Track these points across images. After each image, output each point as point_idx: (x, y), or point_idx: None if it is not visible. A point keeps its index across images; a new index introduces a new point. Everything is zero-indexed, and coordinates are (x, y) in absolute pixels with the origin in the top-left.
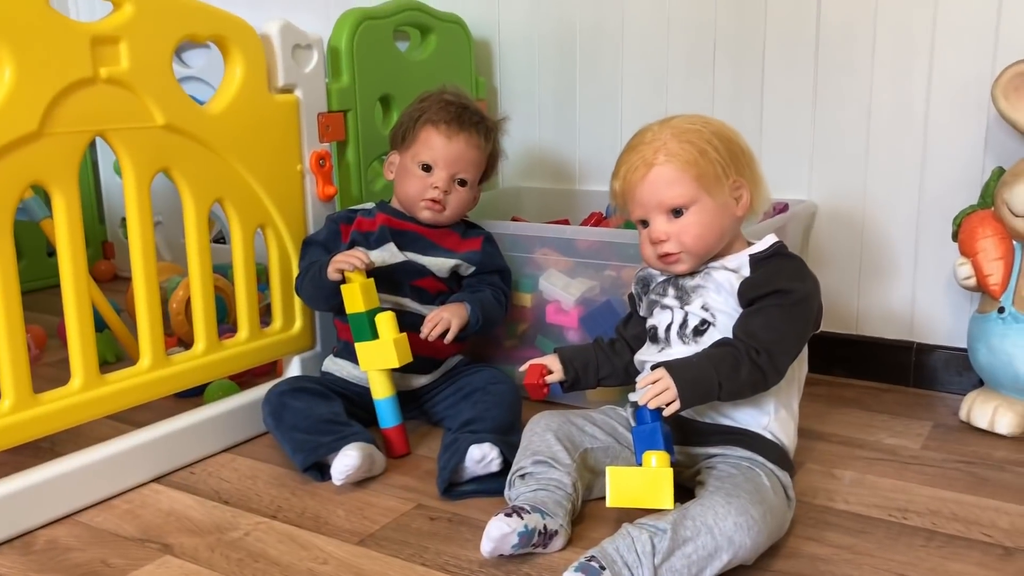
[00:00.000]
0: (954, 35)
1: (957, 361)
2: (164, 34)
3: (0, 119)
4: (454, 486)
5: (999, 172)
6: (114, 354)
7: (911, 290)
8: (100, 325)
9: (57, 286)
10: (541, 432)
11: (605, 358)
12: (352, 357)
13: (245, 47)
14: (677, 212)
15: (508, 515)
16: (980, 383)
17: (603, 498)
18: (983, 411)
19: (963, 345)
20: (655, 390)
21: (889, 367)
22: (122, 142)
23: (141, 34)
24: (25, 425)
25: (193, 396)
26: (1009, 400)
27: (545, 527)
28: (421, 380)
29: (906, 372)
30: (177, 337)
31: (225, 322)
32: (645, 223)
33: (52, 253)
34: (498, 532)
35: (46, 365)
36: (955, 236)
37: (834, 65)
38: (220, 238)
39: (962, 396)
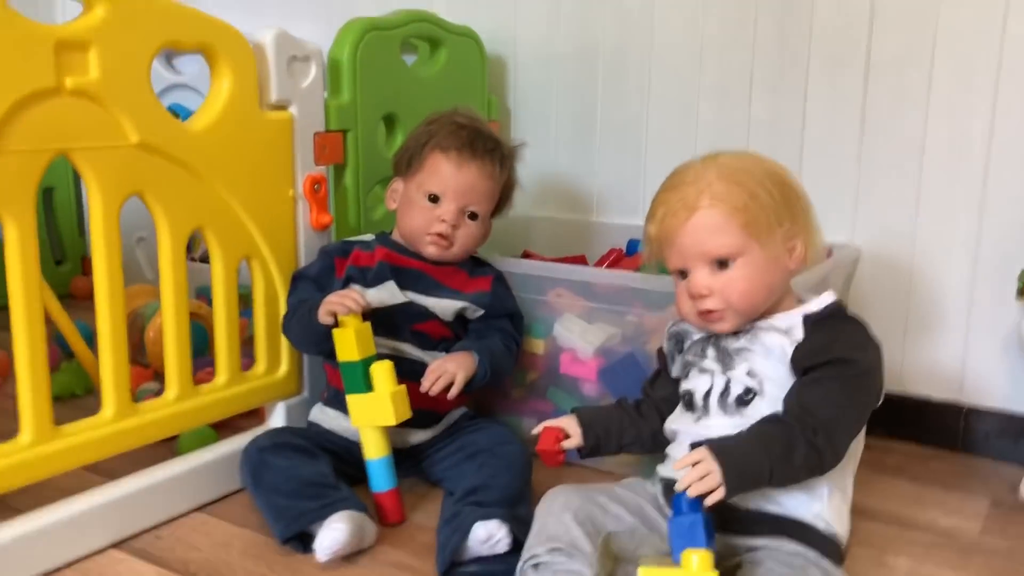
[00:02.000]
0: (1021, 67)
1: (1013, 427)
2: (141, 41)
3: None
4: (456, 566)
5: None
6: (83, 386)
7: (963, 348)
8: (68, 353)
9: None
10: (558, 513)
11: (630, 423)
12: (343, 406)
13: (234, 58)
14: (722, 264)
15: None
16: None
17: None
18: None
19: (1020, 410)
20: (696, 474)
21: (936, 430)
22: (88, 163)
23: (114, 40)
24: None
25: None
26: None
27: None
28: (420, 436)
29: (954, 436)
30: (153, 370)
31: (205, 354)
32: (684, 274)
33: (60, 262)
34: None
35: (9, 397)
36: (1021, 293)
37: (885, 96)
38: (206, 257)
39: (1019, 467)
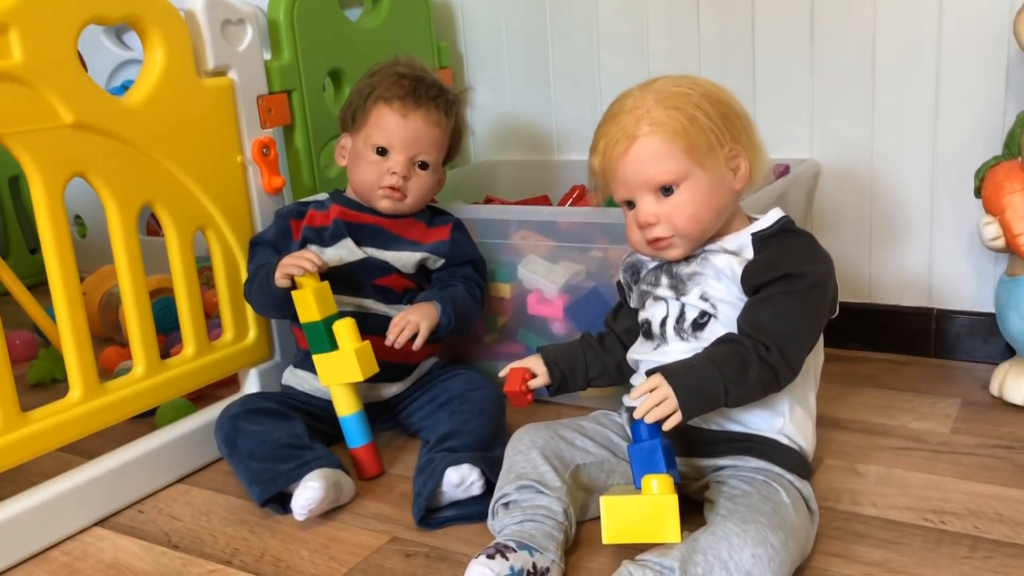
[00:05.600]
0: None
1: (982, 327)
2: (63, 19)
3: None
4: (432, 512)
5: None
6: (63, 371)
7: (928, 252)
8: (45, 340)
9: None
10: (526, 450)
11: (595, 356)
12: (313, 367)
13: (165, 27)
14: (667, 190)
15: (491, 556)
16: (1010, 352)
17: (599, 519)
18: (1017, 385)
19: (988, 309)
20: (652, 400)
21: (907, 337)
22: (24, 147)
23: (34, 20)
24: None
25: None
26: None
27: (535, 565)
28: (392, 389)
29: (926, 342)
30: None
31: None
32: (631, 204)
33: (36, 250)
34: None
35: None
36: (978, 192)
37: (832, 5)
38: None
39: (989, 365)
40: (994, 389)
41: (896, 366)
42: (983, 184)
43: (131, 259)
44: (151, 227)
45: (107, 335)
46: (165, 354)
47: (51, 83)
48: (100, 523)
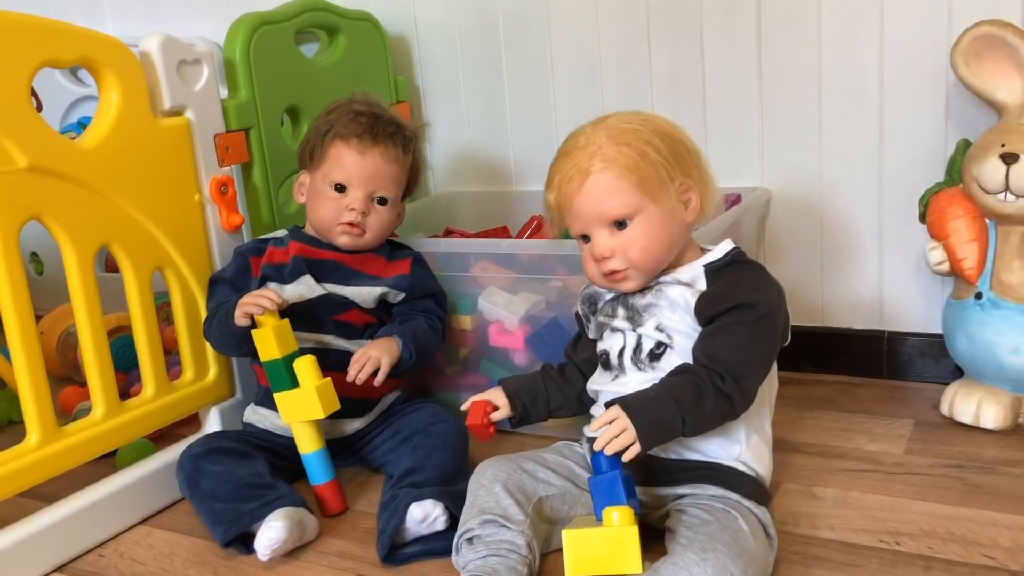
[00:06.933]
0: None
1: (932, 348)
2: (15, 63)
3: None
4: (396, 548)
5: (965, 145)
6: (19, 412)
7: (878, 276)
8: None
9: None
10: (489, 484)
11: (555, 387)
12: (275, 405)
13: (120, 69)
14: (620, 224)
15: None
16: (959, 372)
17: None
18: (966, 405)
19: (937, 331)
20: (611, 433)
21: (861, 359)
22: None
23: None
24: None
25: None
26: (993, 391)
27: None
28: (354, 424)
29: (879, 363)
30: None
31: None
32: (586, 238)
33: None
34: None
35: None
36: (923, 217)
37: (778, 39)
38: None
39: (940, 384)
40: (944, 409)
41: (851, 388)
42: (927, 210)
43: (89, 303)
44: (109, 263)
45: (65, 374)
46: (125, 393)
47: (5, 127)
48: (59, 569)
